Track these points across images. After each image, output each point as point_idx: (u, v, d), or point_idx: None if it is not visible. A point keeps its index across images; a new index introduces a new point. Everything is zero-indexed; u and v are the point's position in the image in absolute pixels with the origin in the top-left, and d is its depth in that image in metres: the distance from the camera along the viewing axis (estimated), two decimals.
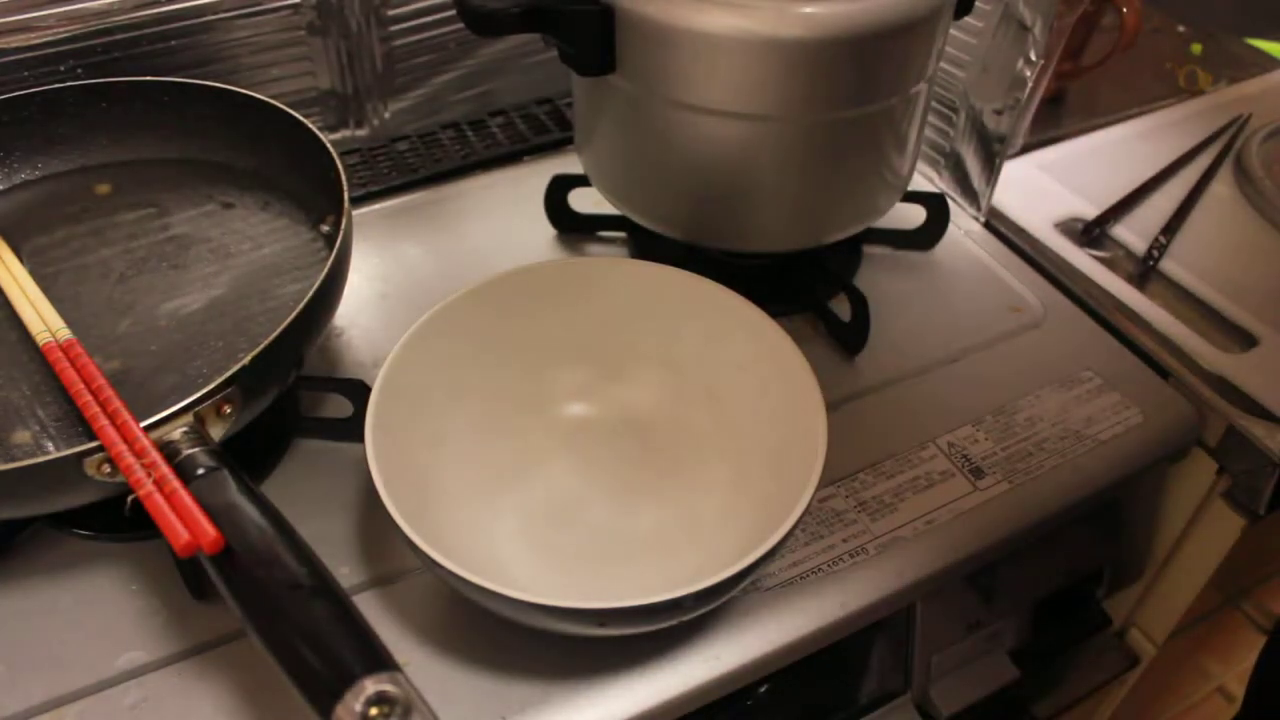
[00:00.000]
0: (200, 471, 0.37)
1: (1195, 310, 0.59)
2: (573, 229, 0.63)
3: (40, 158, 0.57)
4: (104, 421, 0.39)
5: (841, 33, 0.46)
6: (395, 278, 0.60)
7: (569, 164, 0.66)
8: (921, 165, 0.69)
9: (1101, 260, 0.62)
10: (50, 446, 0.43)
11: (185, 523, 0.35)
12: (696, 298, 0.48)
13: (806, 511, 0.38)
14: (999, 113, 0.61)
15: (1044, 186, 0.69)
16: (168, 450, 0.38)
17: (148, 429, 0.38)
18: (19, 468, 0.37)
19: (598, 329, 0.50)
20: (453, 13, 0.59)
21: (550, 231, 0.63)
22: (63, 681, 0.41)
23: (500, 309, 0.48)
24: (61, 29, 0.57)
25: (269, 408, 0.44)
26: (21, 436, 0.43)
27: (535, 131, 0.73)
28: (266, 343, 0.41)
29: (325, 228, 0.53)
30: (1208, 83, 0.82)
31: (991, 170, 0.63)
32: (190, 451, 0.38)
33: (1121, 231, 0.65)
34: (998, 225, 0.65)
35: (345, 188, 0.48)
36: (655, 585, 0.36)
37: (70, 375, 0.43)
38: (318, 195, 0.53)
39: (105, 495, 0.39)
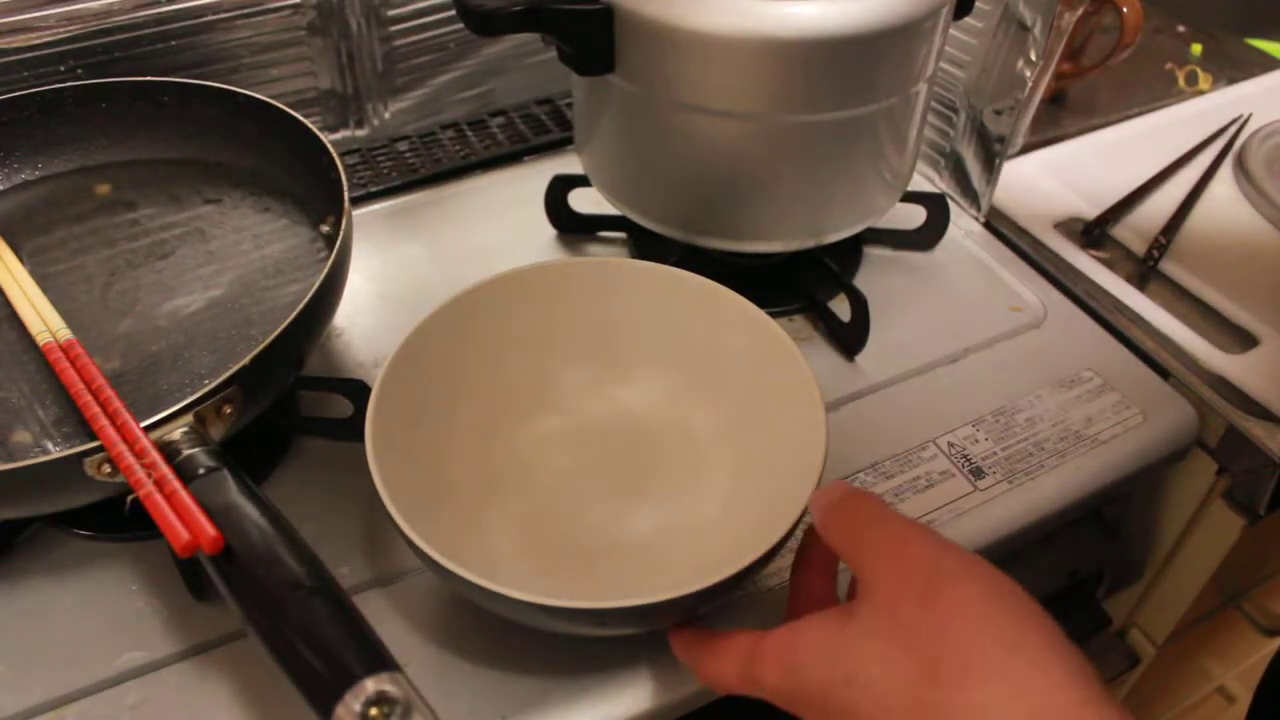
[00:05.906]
0: (200, 471, 0.37)
1: (1195, 310, 0.59)
2: (573, 229, 0.63)
3: (40, 158, 0.57)
4: (104, 421, 0.39)
5: (841, 32, 0.46)
6: (395, 278, 0.60)
7: (569, 164, 0.66)
8: (921, 165, 0.69)
9: (1101, 260, 0.62)
10: (50, 446, 0.43)
11: (185, 523, 0.35)
12: (696, 298, 0.48)
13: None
14: (999, 113, 0.61)
15: (1044, 186, 0.68)
16: (168, 450, 0.38)
17: (148, 429, 0.38)
18: (19, 468, 0.37)
19: (598, 329, 0.50)
20: (453, 13, 0.59)
21: (550, 231, 0.63)
22: (63, 681, 0.41)
23: (500, 309, 0.48)
24: (61, 29, 0.57)
25: (269, 408, 0.44)
26: (21, 436, 0.43)
27: (535, 131, 0.73)
28: (266, 343, 0.41)
29: (325, 228, 0.53)
30: (1208, 83, 0.82)
31: (991, 170, 0.63)
32: (190, 452, 0.38)
33: (1121, 231, 0.65)
34: (998, 225, 0.65)
35: (345, 188, 0.48)
36: (655, 585, 0.36)
37: (70, 375, 0.43)
38: (318, 195, 0.53)
39: (105, 495, 0.39)
